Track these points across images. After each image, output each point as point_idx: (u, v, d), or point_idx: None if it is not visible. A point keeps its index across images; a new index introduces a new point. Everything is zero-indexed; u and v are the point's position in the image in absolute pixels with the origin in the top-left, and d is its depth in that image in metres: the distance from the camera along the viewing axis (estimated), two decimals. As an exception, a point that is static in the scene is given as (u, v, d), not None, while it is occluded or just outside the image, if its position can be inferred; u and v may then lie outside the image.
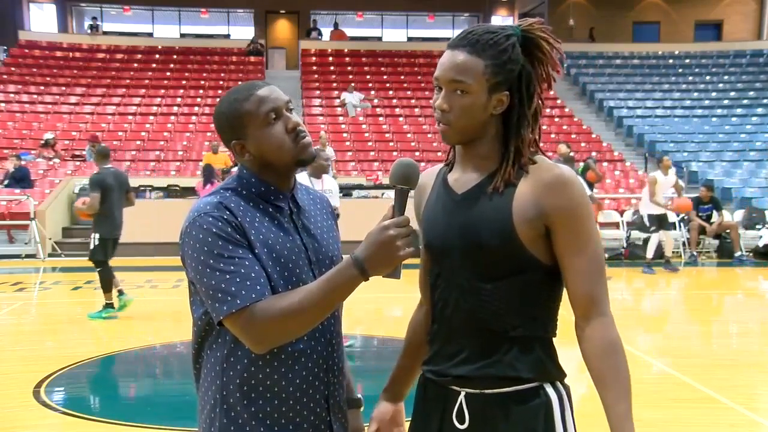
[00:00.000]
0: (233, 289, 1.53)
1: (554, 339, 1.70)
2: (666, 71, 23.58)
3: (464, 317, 1.65)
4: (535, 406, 1.62)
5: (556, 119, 20.82)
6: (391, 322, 7.79)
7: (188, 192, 14.94)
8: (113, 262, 7.92)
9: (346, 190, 13.36)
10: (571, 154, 11.50)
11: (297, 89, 21.37)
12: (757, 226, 14.39)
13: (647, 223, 11.67)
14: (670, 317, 8.90)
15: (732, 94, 22.10)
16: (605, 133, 20.53)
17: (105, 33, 25.44)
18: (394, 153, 18.03)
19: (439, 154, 17.10)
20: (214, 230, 1.56)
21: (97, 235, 7.69)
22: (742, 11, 26.34)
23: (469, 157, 1.69)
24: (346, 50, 24.49)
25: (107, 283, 7.79)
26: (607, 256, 12.87)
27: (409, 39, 28.01)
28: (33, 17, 26.10)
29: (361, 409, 1.85)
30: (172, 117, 19.82)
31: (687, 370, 5.83)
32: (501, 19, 27.21)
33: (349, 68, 23.34)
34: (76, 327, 7.60)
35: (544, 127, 18.59)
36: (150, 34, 26.96)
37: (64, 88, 20.81)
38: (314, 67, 23.44)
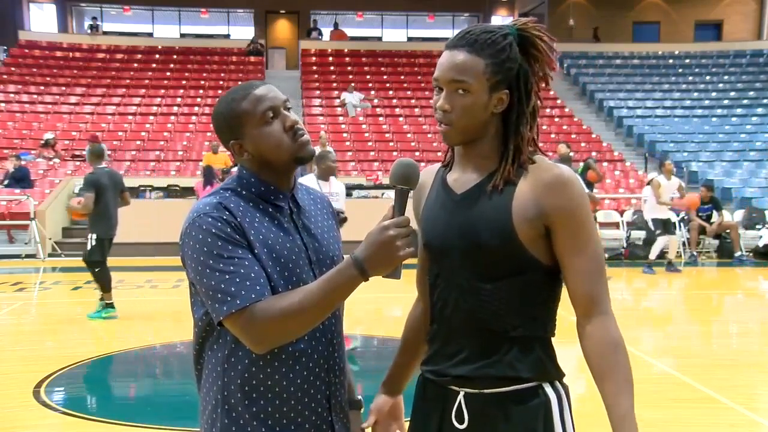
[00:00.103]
0: (233, 289, 1.53)
1: (553, 339, 1.70)
2: (666, 71, 23.58)
3: (464, 317, 1.65)
4: (534, 405, 1.62)
5: (556, 119, 20.82)
6: (391, 322, 7.79)
7: (188, 192, 14.95)
8: (110, 262, 7.92)
9: (346, 190, 13.34)
10: (571, 154, 11.50)
11: (297, 89, 21.37)
12: (757, 226, 14.40)
13: (652, 228, 11.68)
14: (670, 317, 8.90)
15: (732, 94, 22.10)
16: (605, 133, 20.54)
17: (105, 33, 25.44)
18: (394, 153, 18.04)
19: (439, 154, 17.10)
20: (214, 230, 1.56)
21: (94, 236, 7.68)
22: (742, 11, 26.33)
23: (469, 157, 1.69)
24: (346, 50, 24.50)
25: (106, 282, 7.79)
26: (607, 256, 12.88)
27: (409, 39, 28.01)
28: (33, 17, 26.10)
29: (362, 410, 1.85)
30: (172, 117, 19.82)
31: (687, 370, 5.83)
32: (501, 19, 27.20)
33: (349, 68, 23.34)
34: (76, 327, 7.60)
35: (543, 127, 18.61)
36: (150, 34, 26.96)
37: (64, 88, 20.81)
38: (314, 67, 23.44)
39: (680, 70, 23.58)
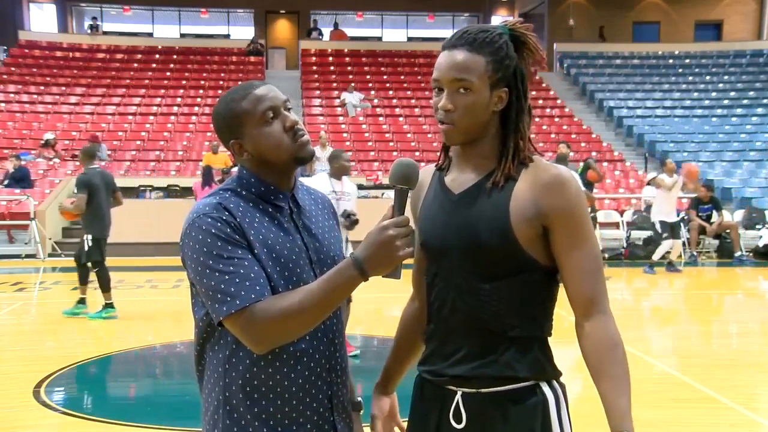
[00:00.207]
0: (233, 289, 1.53)
1: (551, 339, 1.70)
2: (666, 71, 23.58)
3: (462, 317, 1.65)
4: (531, 404, 1.62)
5: (556, 119, 20.82)
6: (391, 322, 7.77)
7: (188, 192, 14.96)
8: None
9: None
10: (571, 154, 11.51)
11: (297, 89, 21.37)
12: (757, 226, 14.40)
13: (659, 230, 11.68)
14: (670, 317, 8.90)
15: (732, 94, 22.10)
16: (605, 133, 20.53)
17: (105, 33, 25.44)
18: (394, 153, 18.04)
19: (439, 154, 17.08)
20: (213, 231, 1.56)
21: (90, 236, 7.70)
22: (742, 11, 26.33)
23: (468, 157, 1.69)
24: (346, 50, 24.50)
25: (106, 282, 7.79)
26: (607, 256, 12.91)
27: (409, 39, 28.01)
28: (33, 17, 26.10)
29: (361, 412, 1.85)
30: (172, 117, 19.82)
31: (687, 370, 5.84)
32: (501, 19, 27.13)
33: (349, 68, 23.34)
34: (76, 327, 7.60)
35: (543, 127, 18.59)
36: (150, 34, 26.96)
37: (64, 88, 20.81)
38: (314, 67, 23.44)
39: (680, 70, 23.58)
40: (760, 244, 13.77)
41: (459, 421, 1.66)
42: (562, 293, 1.69)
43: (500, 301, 1.62)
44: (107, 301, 7.83)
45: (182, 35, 27.02)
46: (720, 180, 17.12)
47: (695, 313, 9.11)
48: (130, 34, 26.36)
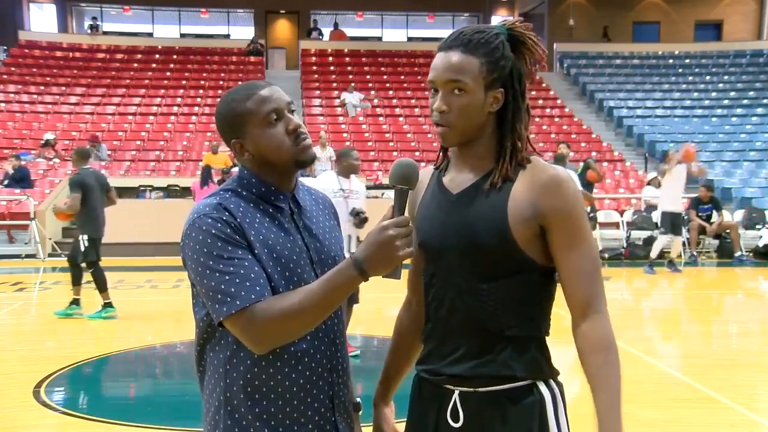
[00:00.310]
0: (233, 290, 1.53)
1: (548, 338, 1.71)
2: (666, 71, 23.58)
3: (460, 317, 1.66)
4: (528, 403, 1.63)
5: (556, 119, 20.82)
6: (391, 322, 7.73)
7: (188, 192, 14.96)
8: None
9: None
10: (571, 154, 11.49)
11: (297, 89, 21.37)
12: (757, 226, 14.40)
13: (659, 223, 11.62)
14: (670, 317, 8.90)
15: (732, 94, 22.10)
16: (605, 133, 20.53)
17: (105, 33, 25.44)
18: (394, 153, 18.04)
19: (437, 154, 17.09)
20: (213, 231, 1.56)
21: (86, 237, 7.70)
22: (742, 11, 26.33)
23: (466, 158, 1.69)
24: (346, 50, 24.50)
25: (102, 282, 7.79)
26: (607, 256, 12.92)
27: (409, 39, 28.01)
28: (33, 17, 26.10)
29: (361, 413, 1.85)
30: (172, 117, 19.82)
31: (687, 370, 5.84)
32: (501, 19, 27.13)
33: (349, 68, 23.34)
34: (76, 327, 7.60)
35: (543, 127, 18.57)
36: (150, 34, 26.96)
37: (64, 88, 20.81)
38: (314, 67, 23.44)
39: (680, 70, 23.57)
40: (760, 244, 13.77)
41: (456, 420, 1.66)
42: (560, 293, 1.69)
43: (498, 300, 1.62)
44: (106, 301, 7.82)
45: (182, 35, 27.02)
46: (720, 180, 17.11)
47: (695, 313, 9.11)
48: (130, 34, 26.36)
